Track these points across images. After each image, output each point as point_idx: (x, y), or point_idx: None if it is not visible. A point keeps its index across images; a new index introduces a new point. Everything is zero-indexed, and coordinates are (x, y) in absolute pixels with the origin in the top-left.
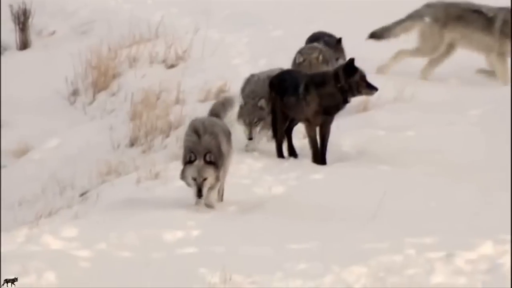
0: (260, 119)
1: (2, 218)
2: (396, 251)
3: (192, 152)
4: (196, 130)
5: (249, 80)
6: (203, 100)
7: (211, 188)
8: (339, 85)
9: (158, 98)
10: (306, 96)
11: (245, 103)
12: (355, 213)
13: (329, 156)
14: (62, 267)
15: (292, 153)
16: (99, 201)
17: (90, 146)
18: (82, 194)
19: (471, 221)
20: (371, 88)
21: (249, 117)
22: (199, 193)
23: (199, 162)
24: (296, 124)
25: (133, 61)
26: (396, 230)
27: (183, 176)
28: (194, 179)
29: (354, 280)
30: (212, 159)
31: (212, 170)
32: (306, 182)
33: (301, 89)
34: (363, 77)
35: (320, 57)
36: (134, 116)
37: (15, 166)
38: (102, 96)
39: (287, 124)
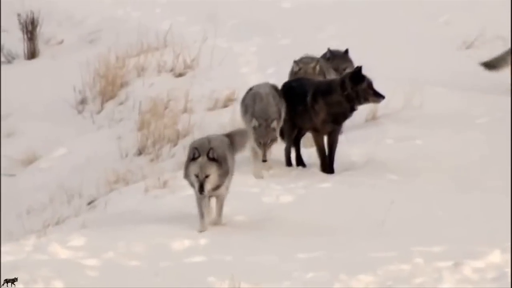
0: (273, 140)
1: (11, 226)
2: (404, 259)
3: (196, 149)
4: (206, 138)
5: (254, 97)
6: (211, 109)
7: (219, 201)
8: (345, 93)
9: (166, 107)
10: (314, 105)
11: (259, 125)
12: (363, 222)
13: (337, 165)
14: (69, 276)
15: (300, 162)
16: (107, 210)
17: (98, 155)
18: (89, 203)
19: (479, 229)
20: (378, 96)
21: (263, 139)
22: (201, 189)
23: (202, 159)
24: (304, 133)
25: (141, 70)
26: (404, 239)
27: (186, 174)
28: (197, 176)
29: None
30: (215, 156)
31: (215, 167)
32: (314, 191)
33: (309, 98)
34: (370, 85)
35: (317, 68)
36: (142, 125)
37: (23, 175)
38: (110, 105)
39: (295, 133)
